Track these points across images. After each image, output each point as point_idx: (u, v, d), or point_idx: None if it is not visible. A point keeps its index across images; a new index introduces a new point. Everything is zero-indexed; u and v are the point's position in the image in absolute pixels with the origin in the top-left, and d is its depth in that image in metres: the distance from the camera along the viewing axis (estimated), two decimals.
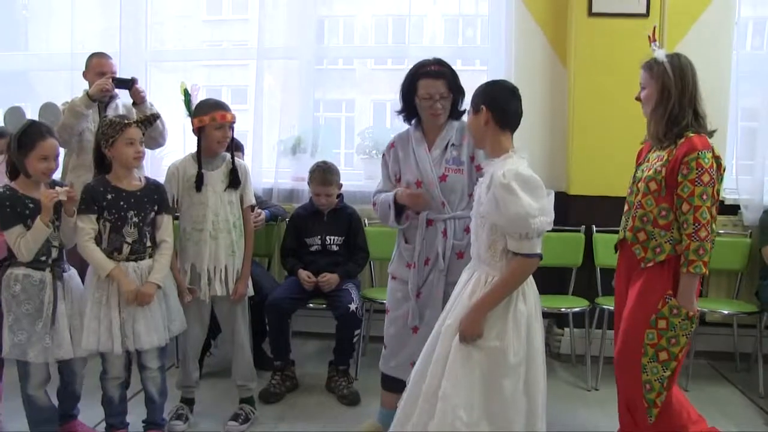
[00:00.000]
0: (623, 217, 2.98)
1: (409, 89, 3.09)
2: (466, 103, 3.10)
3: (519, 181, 2.29)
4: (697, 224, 2.64)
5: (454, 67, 3.12)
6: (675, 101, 2.73)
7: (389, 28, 5.54)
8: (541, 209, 2.30)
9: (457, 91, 3.09)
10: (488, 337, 2.37)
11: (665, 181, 2.72)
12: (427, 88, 3.01)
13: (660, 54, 2.81)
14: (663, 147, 2.79)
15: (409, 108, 3.14)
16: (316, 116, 5.05)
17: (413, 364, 3.04)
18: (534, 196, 2.30)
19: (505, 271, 2.38)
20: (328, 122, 5.53)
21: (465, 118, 3.15)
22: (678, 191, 2.69)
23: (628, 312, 2.83)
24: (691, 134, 2.71)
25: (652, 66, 2.81)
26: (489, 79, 2.63)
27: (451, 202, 3.07)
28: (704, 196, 2.64)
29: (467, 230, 3.04)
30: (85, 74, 4.22)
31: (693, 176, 2.64)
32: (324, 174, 4.06)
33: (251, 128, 4.95)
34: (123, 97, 4.23)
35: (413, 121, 3.18)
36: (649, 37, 2.99)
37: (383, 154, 3.28)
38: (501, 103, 2.47)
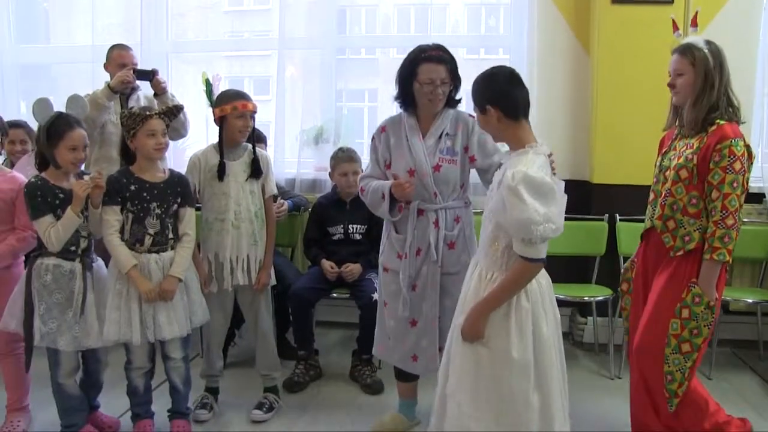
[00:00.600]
0: (649, 206, 2.95)
1: (409, 74, 3.00)
2: (462, 92, 3.09)
3: (527, 184, 2.18)
4: (724, 211, 2.63)
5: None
6: (716, 89, 2.70)
7: (411, 17, 5.53)
8: (547, 216, 2.18)
9: (455, 78, 3.03)
10: (491, 336, 2.32)
11: (697, 169, 2.70)
12: (429, 73, 2.94)
13: (698, 40, 2.77)
14: (692, 135, 2.77)
15: (406, 94, 3.05)
16: (338, 106, 5.05)
17: (415, 357, 3.06)
18: (542, 201, 2.19)
19: (508, 273, 2.32)
20: (351, 112, 5.53)
21: (461, 107, 3.14)
22: (708, 178, 2.67)
23: (653, 301, 2.82)
24: (723, 122, 2.69)
25: (692, 52, 2.75)
26: (485, 72, 2.47)
27: (443, 192, 3.03)
28: (734, 184, 2.62)
29: (457, 220, 3.05)
30: (106, 66, 4.25)
31: (725, 163, 2.62)
32: (348, 152, 4.10)
33: (273, 119, 4.96)
34: (145, 89, 4.26)
35: (407, 109, 3.09)
36: (673, 23, 2.96)
37: (373, 138, 3.19)
38: (505, 96, 2.36)
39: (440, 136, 3.04)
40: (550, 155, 2.39)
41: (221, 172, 3.31)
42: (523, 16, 4.65)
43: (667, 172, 2.84)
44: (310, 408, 3.61)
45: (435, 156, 3.02)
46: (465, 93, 2.93)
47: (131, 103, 4.11)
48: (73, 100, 3.10)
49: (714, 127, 2.69)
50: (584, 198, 4.48)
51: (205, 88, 3.38)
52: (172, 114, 3.12)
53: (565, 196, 2.32)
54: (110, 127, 4.11)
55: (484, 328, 2.33)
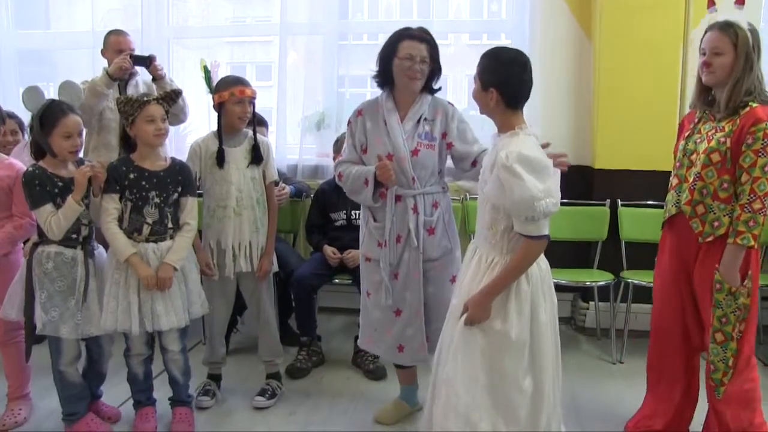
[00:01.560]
0: (671, 192, 2.89)
1: (390, 51, 2.96)
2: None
3: (522, 162, 2.18)
4: (752, 195, 2.57)
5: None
6: (754, 71, 2.64)
7: (414, 3, 5.49)
8: (547, 190, 2.19)
9: (436, 63, 2.98)
10: (492, 318, 2.34)
11: (730, 152, 2.63)
12: (410, 48, 2.90)
13: (740, 18, 2.69)
14: (722, 118, 2.70)
15: (385, 73, 3.01)
16: (340, 92, 5.03)
17: (401, 347, 3.05)
18: (539, 177, 2.20)
19: (514, 255, 2.32)
20: (353, 98, 5.51)
21: (439, 95, 3.10)
22: (739, 161, 2.61)
23: (696, 292, 2.78)
24: (755, 105, 2.63)
25: (735, 31, 2.65)
26: (501, 51, 2.46)
27: (421, 177, 2.98)
28: (766, 168, 2.56)
29: (435, 206, 3.01)
30: (103, 52, 4.22)
31: (757, 147, 2.57)
32: None
33: (275, 105, 4.95)
34: (143, 75, 4.23)
35: (385, 90, 3.05)
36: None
37: (349, 122, 3.14)
38: (512, 85, 2.35)
39: (418, 121, 3.00)
40: (546, 146, 2.40)
41: (221, 158, 3.31)
42: (525, 1, 4.63)
43: (693, 156, 2.77)
44: (312, 394, 3.62)
45: (413, 140, 2.97)
46: (451, 83, 2.90)
47: (130, 89, 4.09)
48: (66, 86, 3.06)
49: (747, 110, 2.63)
50: (586, 183, 4.47)
51: (203, 75, 3.37)
52: (171, 99, 3.08)
53: (558, 171, 2.31)
54: (108, 114, 4.09)
55: (490, 310, 2.34)
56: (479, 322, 2.35)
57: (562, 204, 2.31)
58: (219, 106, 3.32)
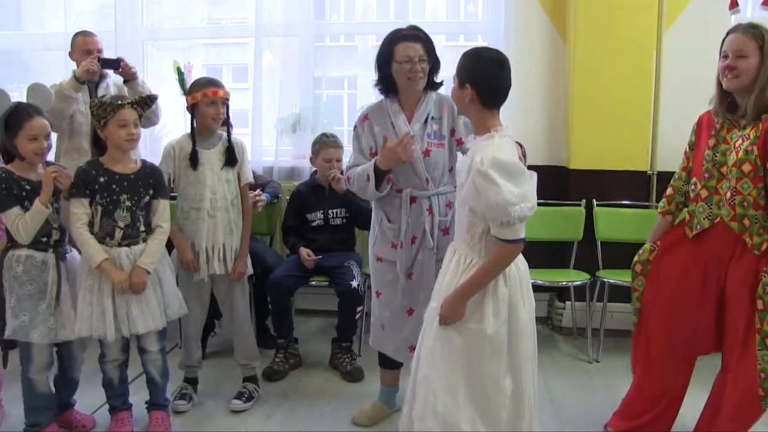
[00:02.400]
0: (701, 204, 2.77)
1: (386, 56, 2.96)
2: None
3: (497, 168, 2.18)
4: None
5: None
6: None
7: (391, 4, 5.49)
8: (522, 195, 2.19)
9: (433, 58, 2.98)
10: (468, 319, 2.33)
11: (759, 160, 2.56)
12: (406, 50, 2.89)
13: (764, 21, 2.62)
14: (746, 125, 2.64)
15: (386, 79, 3.01)
16: (316, 94, 5.01)
17: (412, 348, 3.05)
18: (515, 181, 2.20)
19: (489, 256, 2.32)
20: (330, 99, 5.50)
21: (442, 90, 3.09)
22: (767, 166, 2.56)
23: (741, 301, 2.70)
24: None
25: (762, 34, 2.56)
26: (481, 49, 2.48)
27: (434, 178, 2.99)
28: None
29: (449, 205, 3.01)
30: (71, 54, 4.12)
31: None
32: (334, 138, 4.11)
33: (251, 107, 4.93)
34: (114, 76, 4.15)
35: (389, 96, 3.05)
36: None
37: (355, 127, 3.13)
38: (488, 83, 2.34)
39: (426, 121, 3.00)
40: (521, 147, 2.41)
41: (194, 160, 3.28)
42: (500, 2, 4.65)
43: (723, 168, 2.68)
44: (290, 396, 3.60)
45: (423, 141, 2.97)
46: (447, 78, 2.89)
47: (101, 91, 4.02)
48: (35, 89, 3.03)
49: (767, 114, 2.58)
50: (561, 183, 4.50)
51: (177, 77, 3.34)
52: (146, 104, 3.05)
53: (534, 174, 2.31)
54: (79, 117, 4.01)
55: (464, 311, 2.33)
56: (452, 323, 2.35)
57: (537, 204, 2.31)
58: (192, 108, 3.29)
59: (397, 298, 3.06)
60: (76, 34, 4.13)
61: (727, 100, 2.73)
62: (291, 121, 4.92)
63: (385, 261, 3.09)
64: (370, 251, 3.19)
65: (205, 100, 3.25)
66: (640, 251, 3.00)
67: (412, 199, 2.99)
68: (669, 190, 3.00)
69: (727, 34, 2.67)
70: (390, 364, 3.25)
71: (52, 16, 5.26)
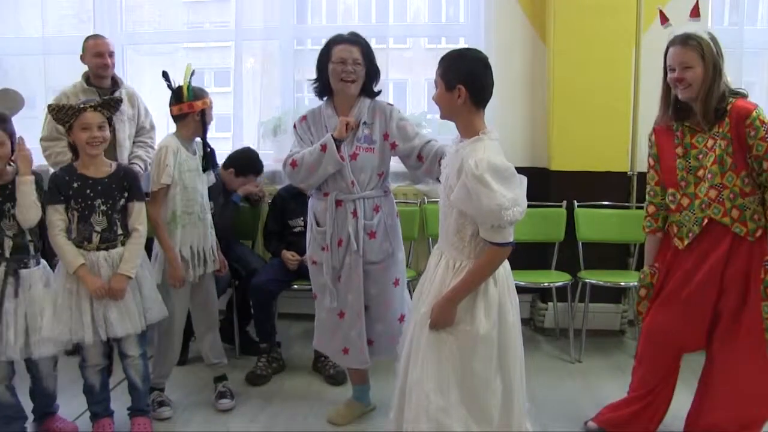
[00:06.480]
0: (685, 213, 2.82)
1: (324, 58, 3.02)
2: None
3: (492, 172, 2.19)
4: None
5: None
6: (723, 76, 2.68)
7: (372, 7, 5.50)
8: (514, 199, 2.20)
9: (371, 65, 3.03)
10: (459, 321, 2.34)
11: (733, 146, 2.66)
12: (341, 52, 2.96)
13: (700, 30, 2.71)
14: (710, 127, 2.72)
15: (323, 80, 3.06)
16: (298, 97, 5.01)
17: (346, 350, 3.09)
18: (507, 186, 2.21)
19: (479, 259, 2.32)
20: (312, 103, 5.49)
21: (379, 98, 3.15)
22: (753, 153, 2.63)
23: (745, 294, 2.75)
24: (732, 100, 2.68)
25: (699, 43, 2.67)
26: (464, 50, 2.51)
27: (361, 181, 3.03)
28: None
29: (377, 209, 3.06)
30: (82, 57, 4.07)
31: (762, 133, 2.60)
32: None
33: (232, 111, 4.92)
34: (127, 86, 4.14)
35: (325, 98, 3.12)
36: (661, 14, 2.89)
37: (294, 125, 3.18)
38: (479, 81, 2.34)
39: (357, 125, 3.03)
40: None
41: (208, 162, 3.36)
42: (480, 5, 4.67)
43: (700, 172, 2.76)
44: (273, 400, 3.60)
45: (352, 144, 3.02)
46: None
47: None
48: (4, 93, 3.01)
49: (729, 108, 2.67)
50: (543, 185, 4.51)
51: (186, 81, 3.26)
52: (111, 107, 3.00)
53: (525, 179, 2.32)
54: None
55: (454, 315, 2.33)
56: (443, 327, 2.35)
57: None
58: (191, 113, 3.27)
59: (327, 299, 3.11)
60: (87, 38, 4.09)
61: (677, 107, 2.82)
62: (272, 125, 4.92)
63: (319, 264, 3.13)
64: (306, 255, 3.24)
65: (210, 105, 3.31)
66: (641, 275, 3.03)
67: (338, 203, 3.03)
68: (651, 209, 3.01)
69: (667, 47, 2.77)
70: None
71: (29, 21, 5.20)
